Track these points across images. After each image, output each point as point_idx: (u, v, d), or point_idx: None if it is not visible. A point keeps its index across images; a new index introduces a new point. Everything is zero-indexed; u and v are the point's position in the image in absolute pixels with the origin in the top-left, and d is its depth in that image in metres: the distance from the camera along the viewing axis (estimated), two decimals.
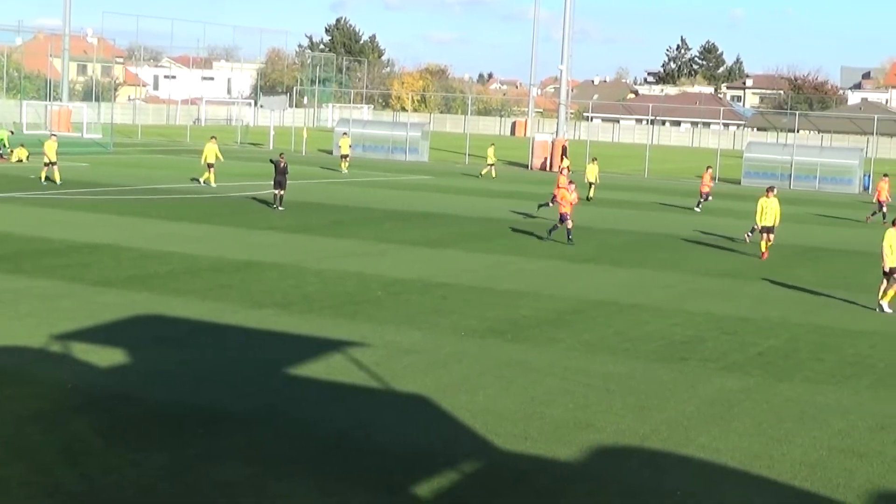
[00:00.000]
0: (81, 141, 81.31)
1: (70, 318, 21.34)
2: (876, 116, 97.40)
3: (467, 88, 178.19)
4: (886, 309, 25.77)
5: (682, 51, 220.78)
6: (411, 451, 14.40)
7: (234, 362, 18.63)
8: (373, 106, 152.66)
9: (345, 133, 70.29)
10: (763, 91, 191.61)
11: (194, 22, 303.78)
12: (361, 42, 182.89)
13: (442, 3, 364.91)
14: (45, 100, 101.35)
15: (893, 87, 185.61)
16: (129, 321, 21.53)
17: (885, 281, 26.08)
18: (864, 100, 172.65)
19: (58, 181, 48.49)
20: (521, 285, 27.62)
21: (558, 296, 26.24)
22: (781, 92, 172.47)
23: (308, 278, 27.22)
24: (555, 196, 39.08)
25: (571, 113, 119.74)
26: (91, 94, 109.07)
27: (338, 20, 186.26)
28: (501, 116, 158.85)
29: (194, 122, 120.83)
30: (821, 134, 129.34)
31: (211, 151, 51.35)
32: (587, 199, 52.68)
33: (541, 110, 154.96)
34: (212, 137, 54.67)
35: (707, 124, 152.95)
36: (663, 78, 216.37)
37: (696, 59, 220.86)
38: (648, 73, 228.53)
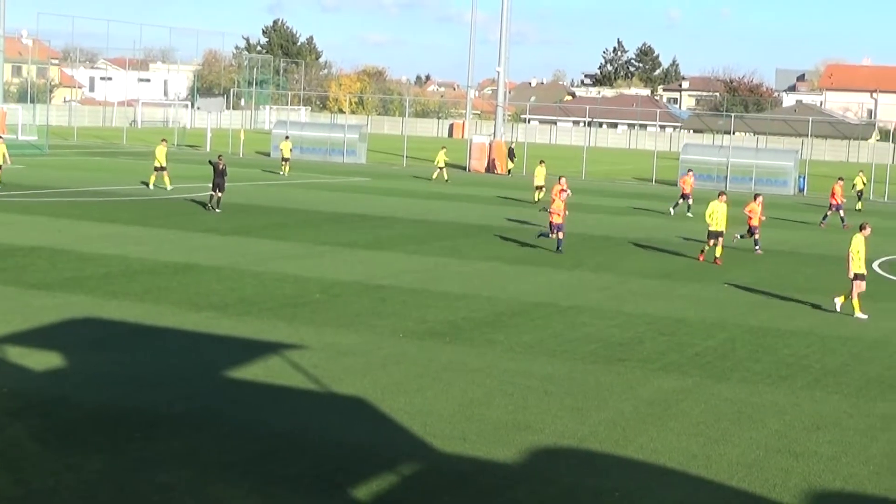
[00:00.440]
0: (16, 143, 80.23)
1: (5, 321, 21.08)
2: (810, 118, 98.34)
3: (405, 90, 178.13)
4: (861, 316, 25.65)
5: (619, 53, 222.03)
6: (350, 452, 14.36)
7: (172, 365, 18.49)
8: (310, 108, 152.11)
9: (286, 137, 69.91)
10: (699, 93, 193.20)
11: (130, 23, 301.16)
12: (299, 44, 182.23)
13: (378, 4, 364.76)
14: None
15: (827, 89, 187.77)
16: (66, 324, 21.32)
17: (853, 285, 26.01)
18: (799, 102, 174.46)
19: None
20: (460, 287, 27.64)
21: (497, 297, 26.28)
22: (717, 94, 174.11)
23: (246, 281, 27.08)
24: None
25: (509, 115, 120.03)
26: (26, 95, 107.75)
27: (275, 22, 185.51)
28: (439, 118, 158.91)
29: (131, 124, 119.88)
30: (756, 136, 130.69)
31: (162, 154, 50.91)
32: (535, 202, 52.82)
33: (478, 112, 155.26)
34: (162, 140, 54.32)
35: (644, 126, 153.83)
36: (600, 80, 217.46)
37: (632, 61, 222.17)
38: (585, 75, 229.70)
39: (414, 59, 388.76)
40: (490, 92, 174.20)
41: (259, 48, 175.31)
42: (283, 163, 65.93)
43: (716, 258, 33.93)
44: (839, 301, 26.11)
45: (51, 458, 13.68)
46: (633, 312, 25.17)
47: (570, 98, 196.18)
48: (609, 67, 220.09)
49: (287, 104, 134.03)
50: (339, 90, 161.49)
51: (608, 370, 19.44)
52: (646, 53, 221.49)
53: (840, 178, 52.75)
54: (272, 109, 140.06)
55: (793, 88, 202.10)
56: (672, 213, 51.22)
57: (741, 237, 37.86)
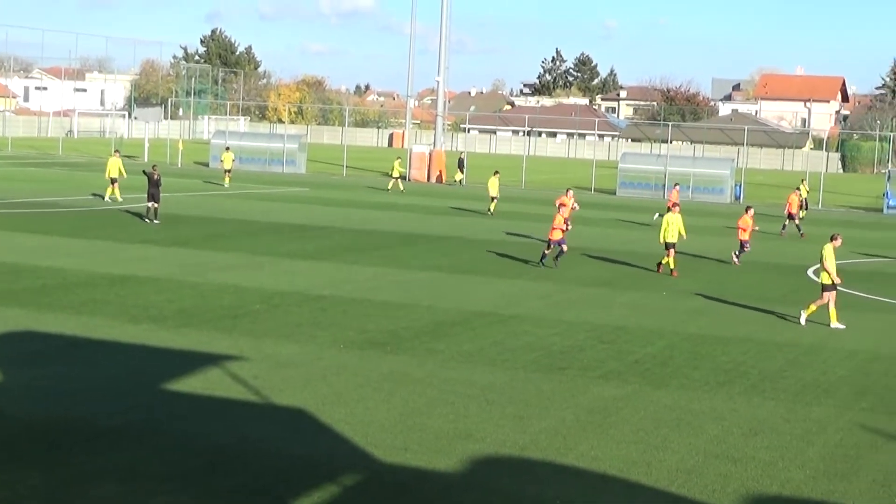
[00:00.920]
0: None
1: None
2: (746, 127, 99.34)
3: (344, 100, 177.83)
4: (839, 325, 25.65)
5: (558, 63, 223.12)
6: (291, 464, 14.30)
7: (110, 378, 18.32)
8: (249, 118, 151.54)
9: (227, 148, 69.39)
10: (637, 102, 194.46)
11: (66, 32, 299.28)
12: (237, 53, 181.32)
13: (318, 14, 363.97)
14: None
15: (762, 98, 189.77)
16: (1, 337, 21.06)
17: (822, 296, 26.08)
18: (735, 111, 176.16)
19: None
20: (400, 297, 27.63)
21: (437, 307, 26.29)
22: (655, 103, 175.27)
23: (185, 292, 26.90)
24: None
25: (449, 124, 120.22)
26: None
27: (213, 31, 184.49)
28: (379, 128, 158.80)
29: (67, 134, 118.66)
30: (693, 145, 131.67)
31: (114, 166, 50.37)
32: (488, 211, 52.68)
33: (418, 122, 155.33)
34: (115, 151, 53.84)
35: (582, 135, 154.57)
36: (539, 89, 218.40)
37: (571, 70, 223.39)
38: (524, 85, 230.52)
39: (354, 68, 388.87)
40: (430, 101, 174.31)
41: (197, 58, 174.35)
42: (226, 174, 65.52)
43: (671, 270, 33.54)
44: (805, 314, 26.09)
45: None
46: (574, 321, 25.27)
47: (509, 107, 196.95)
48: (548, 77, 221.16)
49: (226, 114, 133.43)
50: (278, 100, 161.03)
51: (549, 378, 19.50)
52: (584, 63, 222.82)
53: (797, 188, 53.11)
54: (211, 119, 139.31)
55: (728, 98, 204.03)
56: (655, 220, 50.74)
57: (737, 255, 37.29)
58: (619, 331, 24.27)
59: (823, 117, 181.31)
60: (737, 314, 27.33)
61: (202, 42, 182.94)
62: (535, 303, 27.77)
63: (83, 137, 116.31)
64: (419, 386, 18.53)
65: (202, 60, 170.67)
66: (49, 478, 13.39)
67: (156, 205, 42.18)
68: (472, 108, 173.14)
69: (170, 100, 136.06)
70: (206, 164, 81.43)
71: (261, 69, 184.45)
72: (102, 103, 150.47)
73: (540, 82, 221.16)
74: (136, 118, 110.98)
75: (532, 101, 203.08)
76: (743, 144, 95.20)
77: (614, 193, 74.23)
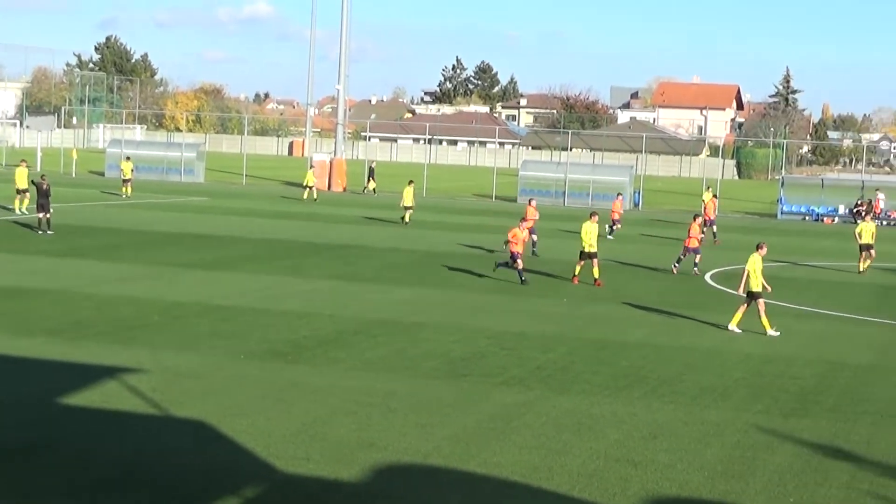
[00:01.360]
0: None
1: None
2: (644, 135, 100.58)
3: (243, 108, 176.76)
4: (773, 332, 25.86)
5: (458, 71, 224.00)
6: (191, 477, 14.15)
7: (4, 393, 17.98)
8: (146, 126, 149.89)
9: (127, 157, 68.21)
10: (537, 110, 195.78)
11: None
12: (133, 61, 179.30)
13: (215, 22, 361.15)
14: None
15: (660, 106, 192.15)
16: None
17: (745, 304, 26.31)
18: (633, 119, 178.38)
19: None
20: (301, 306, 27.49)
21: (339, 316, 26.21)
22: (555, 111, 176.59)
23: (81, 304, 26.49)
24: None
25: (349, 132, 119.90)
26: None
27: (108, 38, 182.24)
28: (279, 136, 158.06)
29: None
30: (592, 152, 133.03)
31: (22, 176, 49.17)
32: (402, 220, 52.35)
33: (318, 130, 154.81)
34: (21, 161, 52.75)
35: (483, 143, 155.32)
36: (440, 97, 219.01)
37: (471, 78, 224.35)
38: (425, 93, 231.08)
39: (253, 76, 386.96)
40: (330, 109, 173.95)
41: (92, 65, 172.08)
42: (125, 184, 64.46)
43: (595, 280, 33.13)
44: (733, 325, 26.26)
45: None
46: (475, 328, 25.34)
47: (410, 115, 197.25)
48: (448, 85, 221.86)
49: (122, 122, 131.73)
50: (175, 108, 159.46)
51: (451, 386, 19.53)
52: (484, 71, 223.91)
53: (714, 196, 53.59)
54: (106, 128, 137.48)
55: (627, 105, 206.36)
56: (610, 237, 50.16)
57: (695, 265, 36.86)
58: (521, 337, 24.39)
59: (719, 125, 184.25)
60: (637, 319, 27.61)
61: (97, 49, 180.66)
62: (436, 310, 27.80)
63: None
64: (321, 395, 18.45)
65: (97, 68, 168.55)
66: None
67: (47, 215, 41.46)
68: (373, 116, 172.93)
69: (63, 108, 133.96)
70: (102, 174, 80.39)
71: (157, 77, 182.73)
72: None
73: (441, 90, 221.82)
74: (27, 127, 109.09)
75: (433, 109, 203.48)
76: (641, 152, 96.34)
77: (515, 201, 74.60)
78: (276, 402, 17.86)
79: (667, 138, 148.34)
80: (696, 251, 36.71)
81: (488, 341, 23.74)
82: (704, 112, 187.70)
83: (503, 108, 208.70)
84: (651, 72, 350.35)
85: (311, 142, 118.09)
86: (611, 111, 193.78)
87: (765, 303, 26.15)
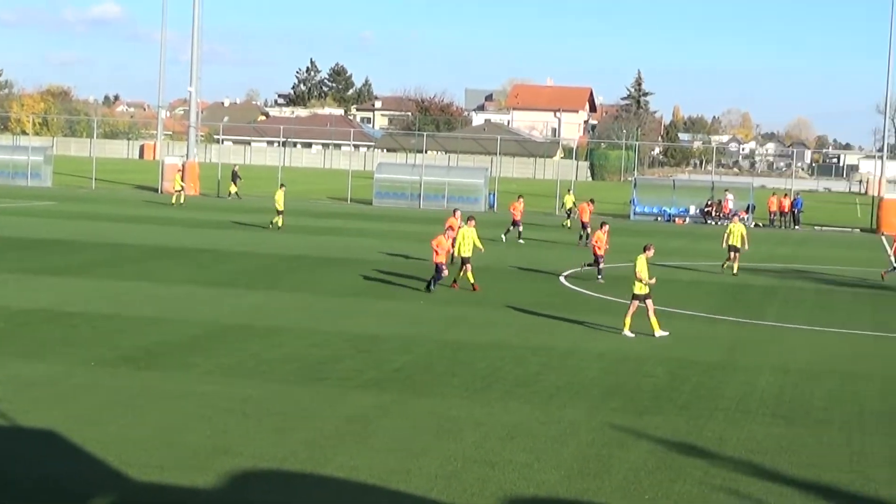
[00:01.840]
0: None
1: None
2: (499, 137, 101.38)
3: (92, 111, 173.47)
4: (662, 333, 26.13)
5: (312, 73, 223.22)
6: (39, 487, 13.78)
7: None
8: None
9: None
10: (392, 113, 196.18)
11: None
12: None
13: (62, 22, 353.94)
14: None
15: (514, 108, 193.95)
16: None
17: (632, 304, 26.48)
18: (488, 121, 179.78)
19: None
20: (154, 311, 27.03)
21: (193, 320, 25.83)
22: (409, 113, 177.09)
23: None
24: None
25: (202, 135, 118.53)
26: None
27: None
28: (129, 139, 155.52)
29: None
30: (448, 154, 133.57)
31: None
32: (272, 225, 51.42)
33: (170, 133, 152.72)
34: None
35: (338, 146, 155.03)
36: (294, 100, 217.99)
37: (325, 81, 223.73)
38: (279, 95, 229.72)
39: (102, 78, 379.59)
40: (182, 112, 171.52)
41: None
42: None
43: (472, 285, 32.75)
44: (627, 330, 26.35)
45: None
46: (331, 330, 25.20)
47: (264, 118, 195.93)
48: (303, 87, 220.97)
49: None
50: (21, 110, 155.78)
51: (307, 390, 19.37)
52: (339, 73, 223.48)
53: (591, 200, 53.75)
54: None
55: (481, 108, 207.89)
56: (504, 239, 50.09)
57: (587, 265, 36.79)
58: (378, 340, 24.32)
59: (573, 127, 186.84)
60: (493, 320, 27.75)
61: None
62: (292, 314, 27.58)
63: None
64: (174, 402, 18.13)
65: None
66: None
67: None
68: (226, 118, 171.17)
69: None
70: None
71: (2, 78, 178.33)
72: None
73: (295, 92, 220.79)
74: None
75: (287, 112, 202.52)
76: (496, 154, 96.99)
77: (371, 203, 74.59)
78: (128, 410, 17.50)
79: (521, 140, 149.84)
80: (601, 258, 36.22)
81: (345, 344, 23.63)
82: (558, 114, 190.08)
83: (358, 110, 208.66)
84: (505, 74, 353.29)
85: (163, 145, 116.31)
86: (465, 113, 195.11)
87: (649, 305, 26.35)
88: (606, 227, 36.74)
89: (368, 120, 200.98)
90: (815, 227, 71.52)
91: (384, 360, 22.24)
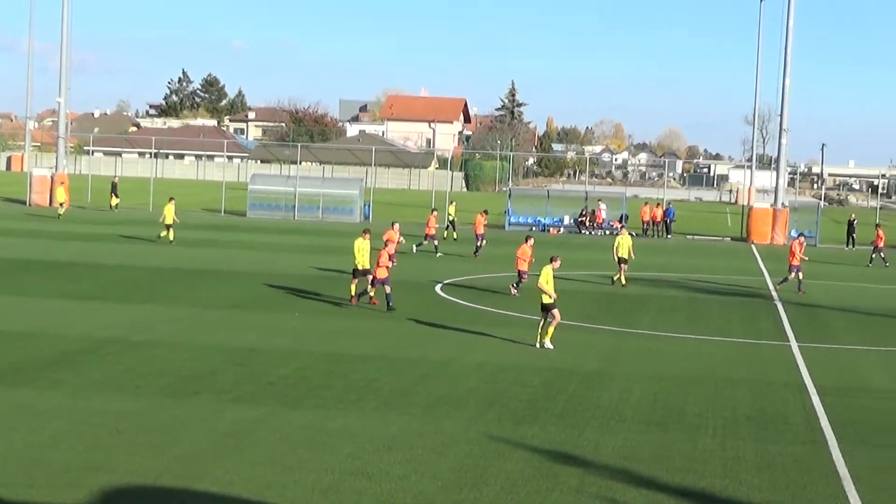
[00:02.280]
0: None
1: None
2: (374, 148, 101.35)
3: None
4: (548, 345, 26.08)
5: (184, 83, 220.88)
6: None
7: None
8: None
9: None
10: (265, 124, 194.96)
11: None
12: None
13: None
14: None
15: (388, 119, 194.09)
16: None
17: (543, 318, 26.40)
18: (363, 132, 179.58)
19: None
20: (24, 326, 26.44)
21: (64, 335, 25.33)
22: (283, 124, 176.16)
23: None
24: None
25: (71, 147, 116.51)
26: None
27: None
28: None
29: None
30: (322, 165, 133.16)
31: None
32: (160, 238, 50.35)
33: (38, 144, 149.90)
34: None
35: (211, 157, 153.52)
36: (166, 111, 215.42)
37: (198, 91, 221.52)
38: (151, 106, 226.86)
39: None
40: (51, 123, 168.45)
41: None
42: None
43: (371, 298, 32.19)
44: (546, 340, 26.26)
45: None
46: (206, 344, 24.92)
47: (135, 129, 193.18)
48: (174, 98, 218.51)
49: None
50: None
51: (182, 404, 19.11)
52: (211, 84, 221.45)
53: (485, 211, 53.48)
54: None
55: (356, 119, 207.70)
56: (437, 255, 49.50)
57: (515, 285, 36.03)
58: (253, 353, 24.11)
59: (447, 137, 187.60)
60: (370, 332, 27.68)
61: None
62: (166, 327, 27.21)
63: None
64: (45, 418, 17.74)
65: None
66: None
67: None
68: (96, 129, 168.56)
69: None
70: None
71: None
72: None
73: (167, 103, 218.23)
74: None
75: (159, 123, 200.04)
76: (371, 165, 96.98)
77: (245, 215, 74.01)
78: None
79: (396, 151, 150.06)
80: (524, 273, 35.71)
81: (221, 357, 23.38)
82: (433, 125, 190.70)
83: (231, 121, 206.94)
84: (380, 85, 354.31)
85: (31, 156, 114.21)
86: (340, 124, 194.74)
87: (556, 316, 26.33)
88: (531, 241, 36.44)
89: (242, 131, 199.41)
90: (687, 237, 72.68)
91: (260, 373, 22.05)
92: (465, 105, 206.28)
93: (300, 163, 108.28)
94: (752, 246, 66.70)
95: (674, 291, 39.51)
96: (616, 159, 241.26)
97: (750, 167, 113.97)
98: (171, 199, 53.21)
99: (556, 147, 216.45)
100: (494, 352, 25.55)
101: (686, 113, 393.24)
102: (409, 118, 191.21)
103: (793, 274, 39.99)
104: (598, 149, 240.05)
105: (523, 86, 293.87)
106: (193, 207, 78.24)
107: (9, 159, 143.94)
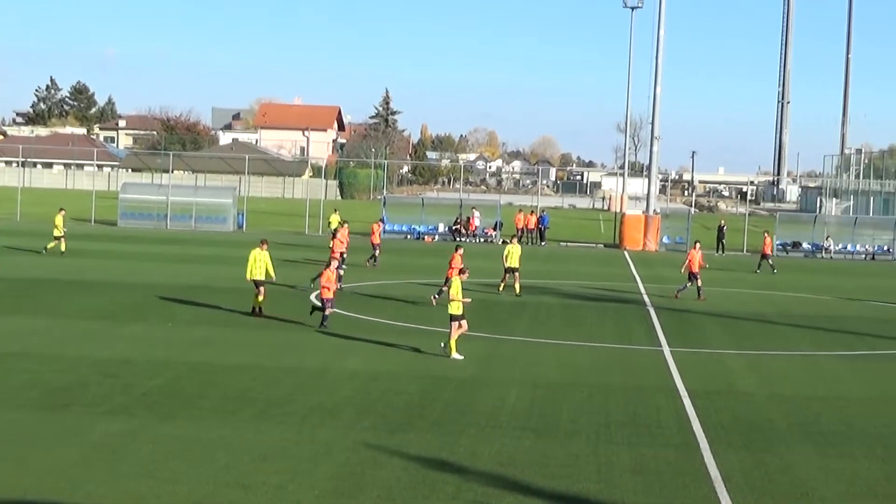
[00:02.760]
0: None
1: None
2: (247, 156, 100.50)
3: None
4: (456, 356, 25.88)
5: (53, 91, 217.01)
6: None
7: None
8: None
9: None
10: (136, 132, 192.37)
11: None
12: None
13: None
14: None
15: (262, 127, 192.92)
16: None
17: (452, 326, 26.16)
18: (236, 140, 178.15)
19: None
20: None
21: None
22: (155, 133, 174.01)
23: None
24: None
25: None
26: None
27: None
28: None
29: None
30: (195, 174, 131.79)
31: None
32: (44, 250, 49.13)
33: None
34: None
35: (81, 166, 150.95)
36: (33, 119, 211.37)
37: (67, 99, 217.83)
38: (17, 114, 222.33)
39: None
40: None
41: None
42: None
43: (259, 308, 31.69)
44: (452, 349, 26.11)
45: None
46: (76, 356, 24.47)
47: (1, 137, 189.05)
48: (42, 106, 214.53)
49: None
50: None
51: (51, 417, 18.73)
52: (81, 92, 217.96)
53: (381, 220, 53.12)
54: None
55: (229, 127, 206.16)
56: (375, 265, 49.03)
57: (439, 294, 35.27)
58: (125, 364, 23.73)
59: (321, 146, 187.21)
60: (245, 341, 27.44)
61: None
62: (35, 339, 26.65)
63: None
64: None
65: None
66: None
67: None
68: None
69: None
70: None
71: None
72: None
73: (34, 111, 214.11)
74: None
75: (26, 131, 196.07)
76: (244, 173, 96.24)
77: (116, 224, 72.93)
78: None
79: (269, 159, 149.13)
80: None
81: (91, 369, 22.96)
82: (307, 133, 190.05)
83: (101, 129, 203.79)
84: (253, 93, 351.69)
85: None
86: (213, 132, 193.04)
87: (464, 326, 26.30)
88: (461, 250, 36.29)
89: (112, 139, 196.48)
90: (561, 243, 73.41)
91: (132, 384, 21.71)
92: (340, 113, 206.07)
93: (172, 171, 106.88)
94: (625, 252, 67.64)
95: (548, 298, 39.85)
96: (490, 167, 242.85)
97: (622, 174, 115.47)
98: (60, 209, 51.95)
99: (431, 155, 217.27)
100: (369, 359, 25.51)
101: (559, 121, 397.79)
102: (282, 126, 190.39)
103: (691, 281, 40.63)
104: (472, 156, 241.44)
105: (397, 94, 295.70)
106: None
107: None
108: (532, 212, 75.63)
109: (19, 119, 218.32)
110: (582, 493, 15.56)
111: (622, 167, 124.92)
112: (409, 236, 73.76)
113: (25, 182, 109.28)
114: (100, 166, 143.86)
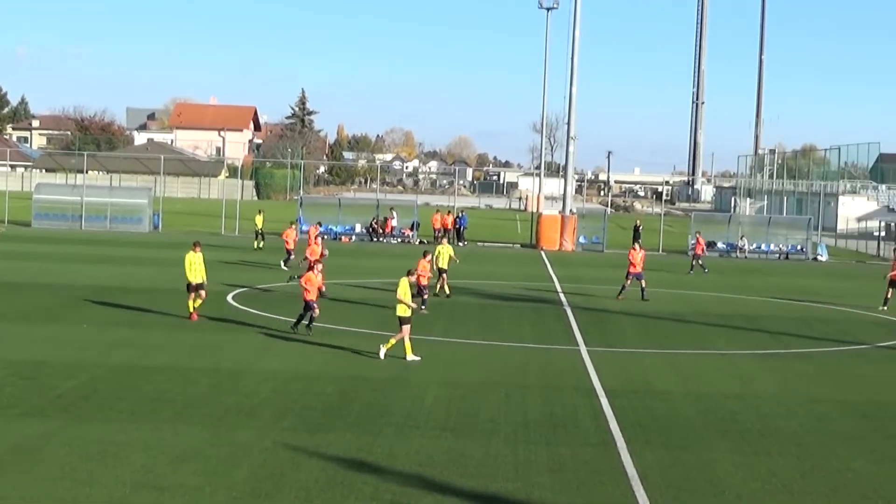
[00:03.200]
0: None
1: None
2: (162, 157, 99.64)
3: None
4: (413, 357, 25.87)
5: None
6: None
7: None
8: None
9: None
10: (50, 132, 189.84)
11: None
12: None
13: None
14: None
15: (177, 127, 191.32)
16: None
17: (402, 329, 26.16)
18: (151, 140, 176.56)
19: None
20: None
21: None
22: (69, 133, 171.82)
23: None
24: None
25: None
26: None
27: None
28: None
29: None
30: (110, 174, 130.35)
31: None
32: None
33: None
34: None
35: None
36: None
37: None
38: None
39: None
40: None
41: None
42: None
43: (193, 311, 31.23)
44: (385, 348, 26.09)
45: None
46: None
47: None
48: None
49: None
50: None
51: None
52: None
53: (318, 223, 52.60)
54: None
55: (144, 127, 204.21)
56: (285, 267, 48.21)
57: (423, 306, 34.39)
58: (40, 366, 23.48)
59: (237, 146, 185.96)
60: (161, 343, 27.26)
61: None
62: None
63: None
64: None
65: None
66: None
67: None
68: None
69: None
70: None
71: None
72: None
73: None
74: None
75: None
76: (160, 173, 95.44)
77: (30, 225, 72.01)
78: None
79: (185, 160, 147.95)
80: (425, 288, 35.01)
81: (5, 371, 22.71)
82: (222, 133, 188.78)
83: (14, 129, 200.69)
84: (168, 93, 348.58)
85: None
86: (127, 132, 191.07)
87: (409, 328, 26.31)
88: (429, 256, 35.76)
89: (26, 139, 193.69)
90: (479, 244, 73.61)
91: (48, 386, 21.50)
92: (255, 113, 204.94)
93: (87, 172, 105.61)
94: (542, 252, 68.04)
95: (465, 298, 39.99)
96: (407, 167, 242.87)
97: (539, 175, 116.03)
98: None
99: (347, 155, 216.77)
100: (287, 360, 25.47)
101: (475, 121, 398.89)
102: (198, 126, 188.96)
103: (629, 281, 40.93)
104: (388, 157, 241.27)
105: (314, 94, 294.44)
106: None
107: None
108: (449, 212, 75.71)
109: None
110: (500, 493, 15.68)
111: (538, 167, 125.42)
112: (325, 237, 73.57)
113: None
114: (13, 167, 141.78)
